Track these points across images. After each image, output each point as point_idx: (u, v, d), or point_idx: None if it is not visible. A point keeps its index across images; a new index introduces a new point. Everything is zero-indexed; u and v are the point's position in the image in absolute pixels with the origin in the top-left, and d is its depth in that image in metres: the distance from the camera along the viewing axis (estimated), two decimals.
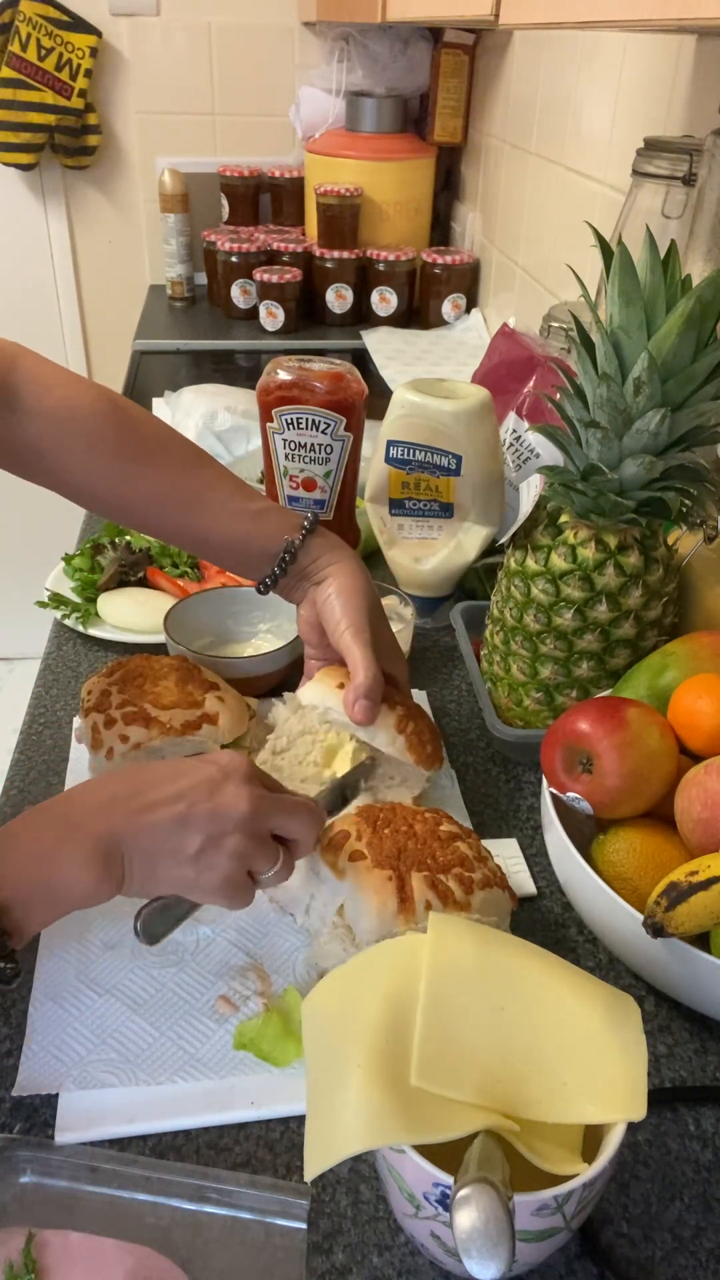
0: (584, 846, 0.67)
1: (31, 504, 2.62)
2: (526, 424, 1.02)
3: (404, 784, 0.77)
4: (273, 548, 0.78)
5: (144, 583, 1.04)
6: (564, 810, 0.68)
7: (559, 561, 0.77)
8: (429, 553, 0.99)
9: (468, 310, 2.03)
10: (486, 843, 0.74)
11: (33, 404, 0.72)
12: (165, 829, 0.56)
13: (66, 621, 0.99)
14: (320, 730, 0.77)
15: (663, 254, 0.67)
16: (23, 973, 0.53)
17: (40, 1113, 0.57)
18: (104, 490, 0.77)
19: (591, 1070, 0.48)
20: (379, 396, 1.03)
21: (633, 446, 0.71)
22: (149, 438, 0.77)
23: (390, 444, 0.94)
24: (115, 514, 0.80)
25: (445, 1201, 0.45)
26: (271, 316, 1.97)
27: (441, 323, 2.04)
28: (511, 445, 1.03)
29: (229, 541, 0.79)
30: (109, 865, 0.55)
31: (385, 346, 1.92)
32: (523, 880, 0.74)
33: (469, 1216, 0.40)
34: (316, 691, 0.77)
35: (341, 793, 0.71)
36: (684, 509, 0.75)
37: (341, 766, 0.75)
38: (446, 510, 0.96)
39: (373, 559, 1.12)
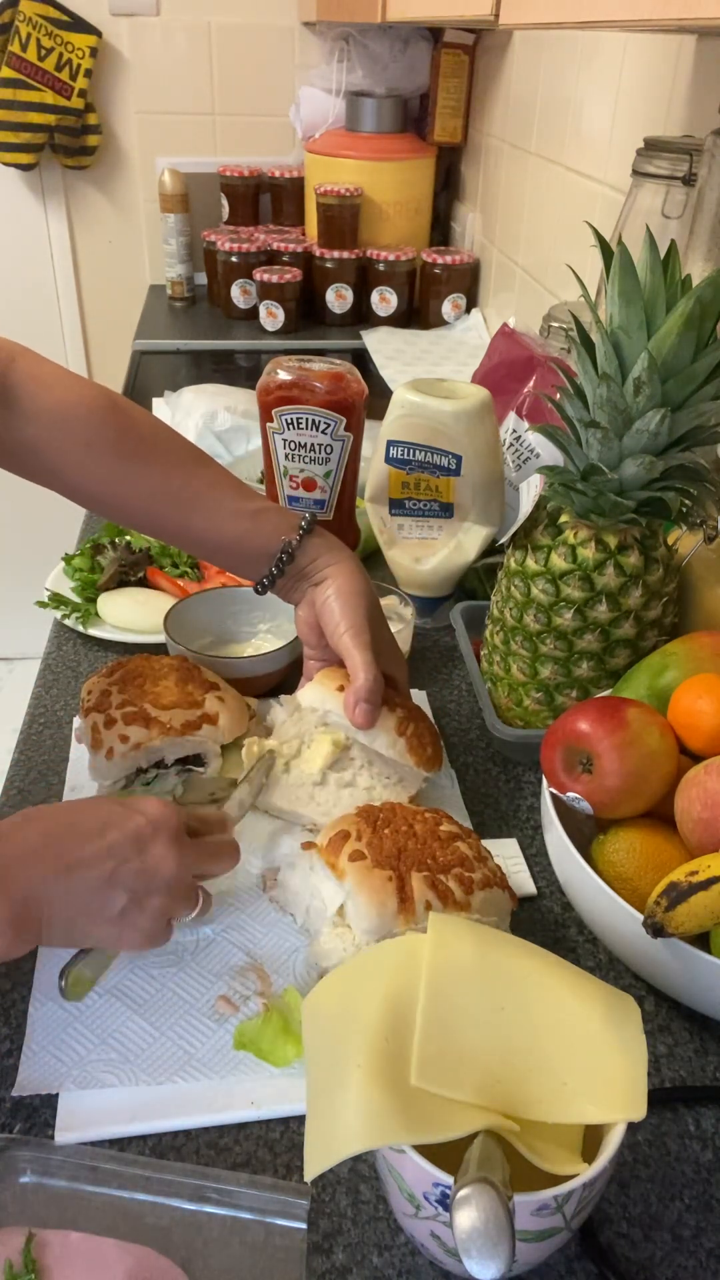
0: (584, 846, 0.67)
1: (31, 504, 2.62)
2: (526, 424, 1.02)
3: (400, 783, 0.77)
4: (270, 548, 0.78)
5: (144, 583, 1.04)
6: (564, 810, 0.68)
7: (559, 561, 0.77)
8: (429, 553, 0.99)
9: (468, 310, 2.03)
10: (486, 843, 0.74)
11: (30, 403, 0.72)
12: (89, 889, 0.56)
13: (66, 621, 0.99)
14: (316, 733, 0.77)
15: (663, 254, 0.67)
16: None
17: (40, 1113, 0.57)
18: (102, 489, 0.77)
19: (591, 1070, 0.48)
20: (379, 396, 1.03)
21: (633, 446, 0.71)
22: (147, 437, 0.77)
23: (390, 444, 0.94)
24: (113, 513, 0.80)
25: (445, 1201, 0.45)
26: (271, 316, 1.97)
27: (441, 323, 2.04)
28: (511, 445, 1.03)
29: (226, 541, 0.78)
30: (23, 928, 0.54)
31: (385, 346, 1.92)
32: (523, 880, 0.74)
33: (469, 1216, 0.40)
34: (316, 694, 0.77)
35: (248, 792, 0.73)
36: (684, 509, 0.75)
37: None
38: (446, 510, 0.96)
39: (373, 559, 1.12)
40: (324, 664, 0.80)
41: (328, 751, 0.76)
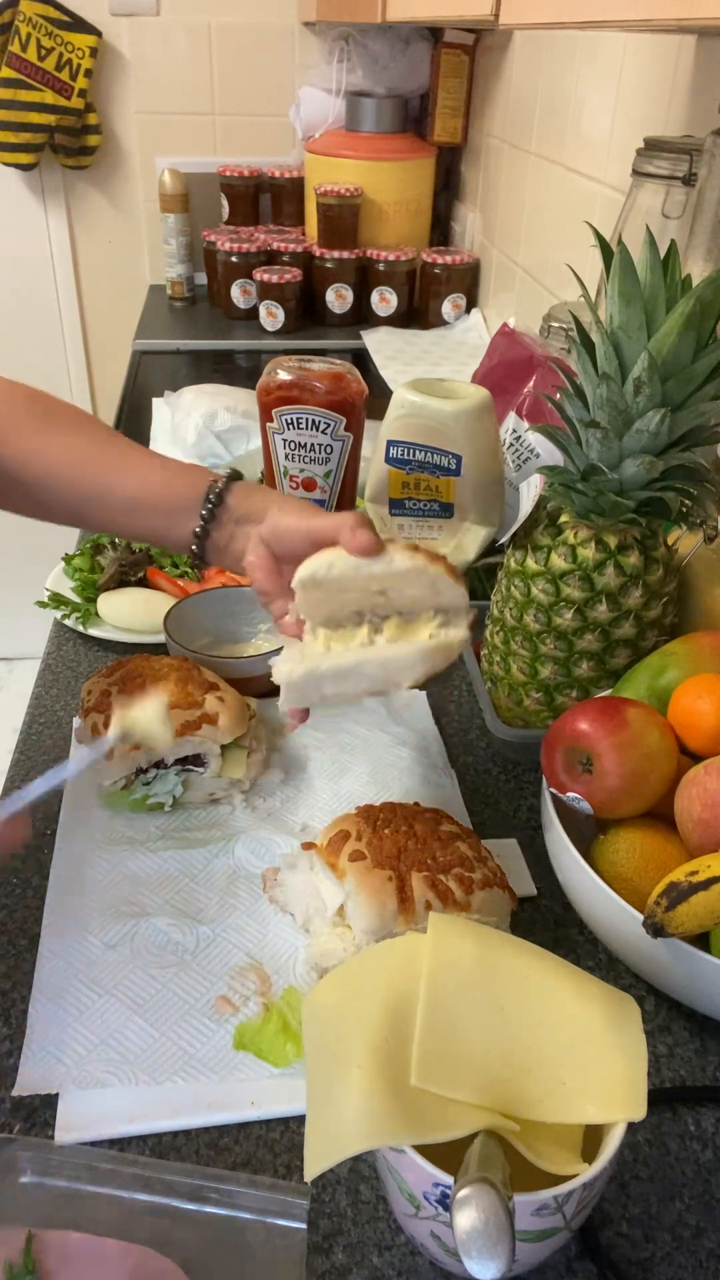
0: (584, 846, 0.67)
1: None
2: (526, 424, 1.02)
3: (451, 622, 0.66)
4: (196, 491, 0.74)
5: (144, 583, 1.04)
6: (564, 810, 0.68)
7: (559, 561, 0.77)
8: None
9: (468, 310, 2.03)
10: (486, 843, 0.74)
11: None
12: None
13: (66, 621, 0.99)
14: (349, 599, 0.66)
15: (663, 254, 0.67)
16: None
17: (40, 1113, 0.57)
18: (22, 458, 0.74)
19: (591, 1070, 0.48)
20: (379, 396, 1.03)
21: (633, 446, 0.71)
22: (65, 412, 0.77)
23: (390, 444, 0.94)
24: (35, 486, 0.76)
25: (445, 1201, 0.45)
26: (271, 316, 1.97)
27: (441, 323, 2.04)
28: (511, 445, 1.03)
29: (149, 493, 0.75)
30: None
31: (385, 346, 1.92)
32: (523, 880, 0.74)
33: (469, 1216, 0.40)
34: (308, 563, 0.66)
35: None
36: (684, 509, 0.75)
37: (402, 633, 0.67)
38: (446, 510, 0.96)
39: None
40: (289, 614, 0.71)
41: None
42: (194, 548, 0.75)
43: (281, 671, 0.66)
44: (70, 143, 2.17)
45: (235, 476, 0.75)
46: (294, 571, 0.66)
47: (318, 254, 2.00)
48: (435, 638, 0.65)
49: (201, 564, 0.76)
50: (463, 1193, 0.41)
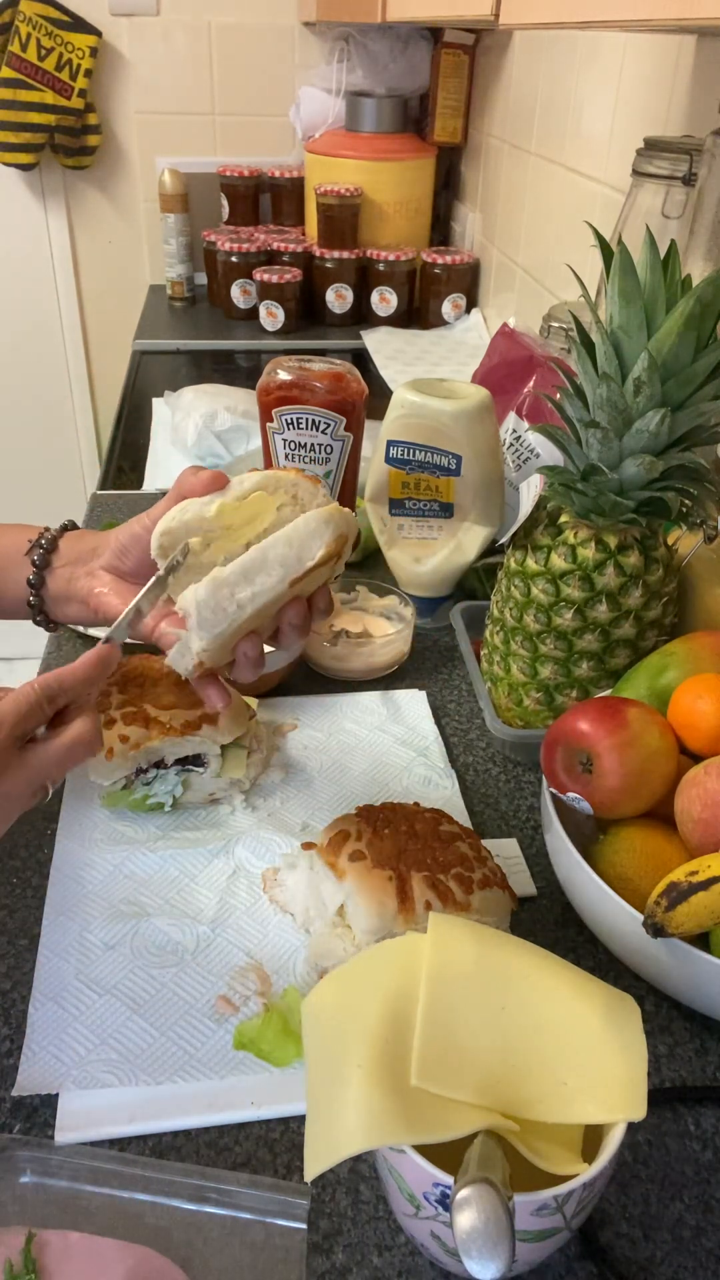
0: (584, 846, 0.67)
1: (32, 504, 2.63)
2: (526, 424, 1.02)
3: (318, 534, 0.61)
4: (27, 540, 0.70)
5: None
6: (564, 810, 0.68)
7: (559, 561, 0.77)
8: (429, 553, 0.99)
9: (468, 310, 2.03)
10: (486, 843, 0.74)
11: None
12: None
13: None
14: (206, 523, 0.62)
15: (663, 254, 0.67)
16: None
17: (40, 1113, 0.57)
18: None
19: (591, 1070, 0.48)
20: (379, 396, 1.03)
21: (633, 446, 0.71)
22: None
23: (390, 444, 0.94)
24: None
25: (445, 1201, 0.45)
26: (271, 316, 1.97)
27: (441, 323, 2.04)
28: (511, 445, 1.03)
29: None
30: None
31: (385, 346, 1.92)
32: (523, 880, 0.74)
33: (469, 1216, 0.40)
34: (159, 524, 0.62)
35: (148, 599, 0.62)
36: (684, 509, 0.75)
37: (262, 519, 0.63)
38: (446, 510, 0.96)
39: (373, 559, 1.12)
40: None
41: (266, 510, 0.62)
42: (30, 599, 0.70)
43: (174, 650, 0.61)
44: (70, 143, 2.17)
45: (69, 527, 0.72)
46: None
47: (318, 254, 2.00)
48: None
49: (44, 620, 0.71)
50: (463, 1193, 0.41)
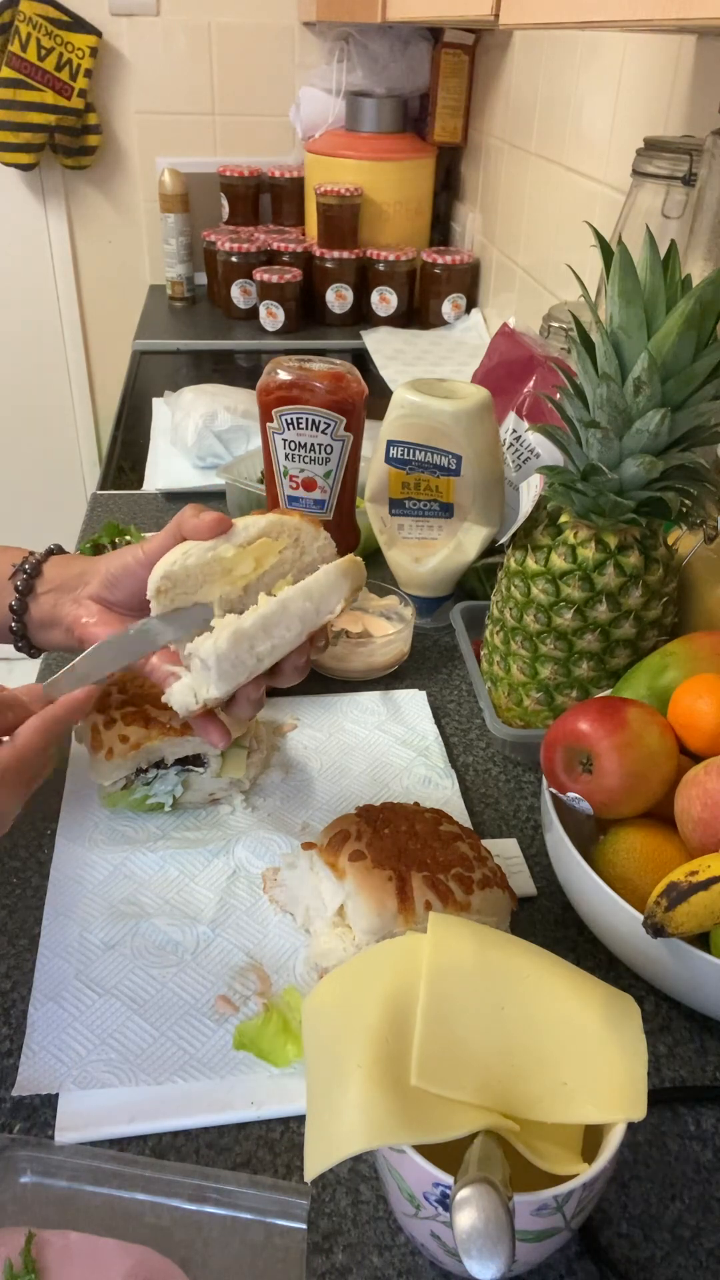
0: (584, 846, 0.67)
1: (32, 504, 2.63)
2: (526, 424, 1.02)
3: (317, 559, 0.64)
4: (10, 564, 0.69)
5: None
6: (564, 810, 0.68)
7: (559, 561, 0.77)
8: (429, 553, 0.99)
9: (468, 310, 2.03)
10: (486, 843, 0.75)
11: None
12: None
13: None
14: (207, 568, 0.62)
15: (663, 254, 0.67)
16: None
17: (40, 1113, 0.57)
18: None
19: (591, 1070, 0.48)
20: (379, 396, 1.03)
21: (633, 446, 0.71)
22: None
23: (390, 444, 0.94)
24: None
25: (445, 1201, 0.45)
26: (271, 316, 1.97)
27: (441, 323, 2.04)
28: (511, 445, 1.03)
29: None
30: None
31: (385, 346, 1.92)
32: (523, 880, 0.74)
33: (469, 1216, 0.40)
34: (158, 566, 0.61)
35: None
36: (684, 509, 0.75)
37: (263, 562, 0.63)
38: (446, 510, 0.96)
39: (373, 559, 1.12)
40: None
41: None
42: (13, 625, 0.68)
43: (178, 690, 0.61)
44: (70, 143, 2.17)
45: (55, 551, 0.71)
46: (140, 616, 0.62)
47: (318, 254, 2.00)
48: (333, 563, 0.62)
49: (27, 646, 0.70)
50: (463, 1193, 0.41)
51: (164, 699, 0.62)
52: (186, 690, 0.61)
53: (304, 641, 0.62)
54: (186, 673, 0.61)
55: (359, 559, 0.63)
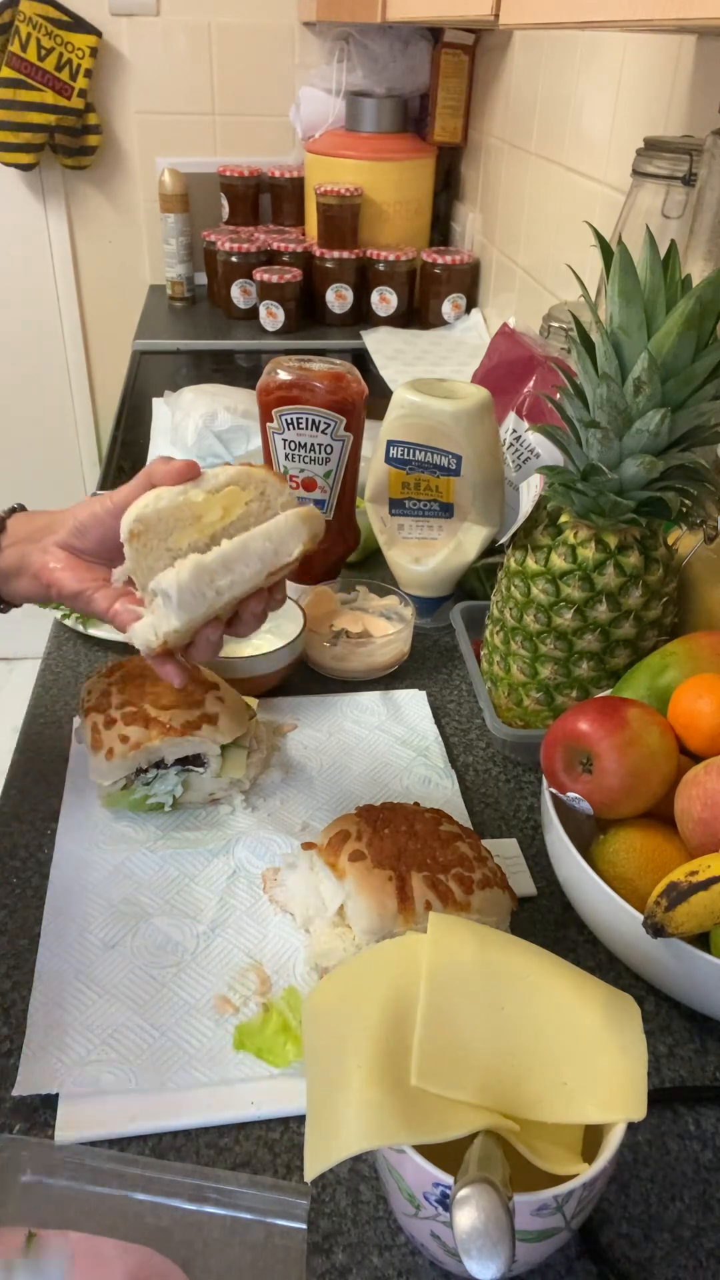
0: (584, 846, 0.67)
1: (31, 504, 2.62)
2: (526, 424, 1.02)
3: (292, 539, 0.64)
4: None
5: None
6: (564, 810, 0.68)
7: (559, 561, 0.77)
8: (429, 553, 0.99)
9: (468, 310, 2.03)
10: (486, 843, 0.75)
11: None
12: None
13: (66, 621, 0.99)
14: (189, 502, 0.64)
15: (663, 254, 0.67)
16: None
17: (40, 1113, 0.57)
18: None
19: (591, 1070, 0.48)
20: (379, 396, 1.03)
21: (633, 446, 0.71)
22: None
23: (390, 444, 0.94)
24: None
25: (445, 1201, 0.45)
26: (271, 316, 1.97)
27: (441, 323, 2.04)
28: (511, 445, 1.03)
29: None
30: None
31: (385, 346, 1.92)
32: (523, 880, 0.74)
33: (469, 1216, 0.40)
34: (131, 508, 0.63)
35: None
36: (684, 509, 0.75)
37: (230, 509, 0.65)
38: (446, 510, 0.96)
39: (373, 559, 1.12)
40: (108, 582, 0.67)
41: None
42: None
43: (139, 629, 0.62)
44: (70, 143, 2.17)
45: (18, 508, 0.72)
46: (106, 567, 0.66)
47: (318, 254, 2.00)
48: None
49: None
50: (463, 1193, 0.41)
51: (125, 637, 0.64)
52: (148, 628, 0.63)
53: (264, 591, 0.65)
54: (149, 614, 0.63)
55: (317, 510, 0.66)
